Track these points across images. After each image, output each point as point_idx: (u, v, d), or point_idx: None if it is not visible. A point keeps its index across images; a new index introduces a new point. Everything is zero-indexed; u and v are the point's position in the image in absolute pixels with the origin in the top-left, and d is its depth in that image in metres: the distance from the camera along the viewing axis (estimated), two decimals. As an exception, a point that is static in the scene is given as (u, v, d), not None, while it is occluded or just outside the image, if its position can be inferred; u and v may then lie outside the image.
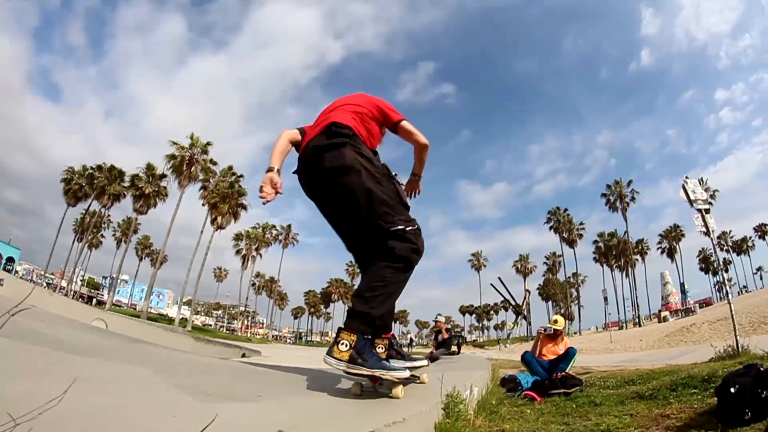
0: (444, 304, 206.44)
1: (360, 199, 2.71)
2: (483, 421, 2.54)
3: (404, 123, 3.16)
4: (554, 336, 6.88)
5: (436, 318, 15.06)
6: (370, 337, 2.58)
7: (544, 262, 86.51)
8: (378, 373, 2.45)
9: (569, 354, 6.52)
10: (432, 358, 12.30)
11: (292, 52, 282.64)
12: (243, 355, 14.09)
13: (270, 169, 3.02)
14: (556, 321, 6.98)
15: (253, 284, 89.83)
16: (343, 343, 2.50)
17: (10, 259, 68.23)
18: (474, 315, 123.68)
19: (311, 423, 1.84)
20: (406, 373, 2.56)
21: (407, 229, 2.71)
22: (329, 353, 2.51)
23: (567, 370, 6.07)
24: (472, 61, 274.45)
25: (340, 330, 2.57)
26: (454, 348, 13.71)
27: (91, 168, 60.62)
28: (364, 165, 2.75)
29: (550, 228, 72.59)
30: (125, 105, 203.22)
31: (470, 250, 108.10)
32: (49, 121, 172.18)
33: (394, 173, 3.20)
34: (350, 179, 2.71)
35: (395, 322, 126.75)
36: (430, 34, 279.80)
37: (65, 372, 1.78)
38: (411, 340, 71.29)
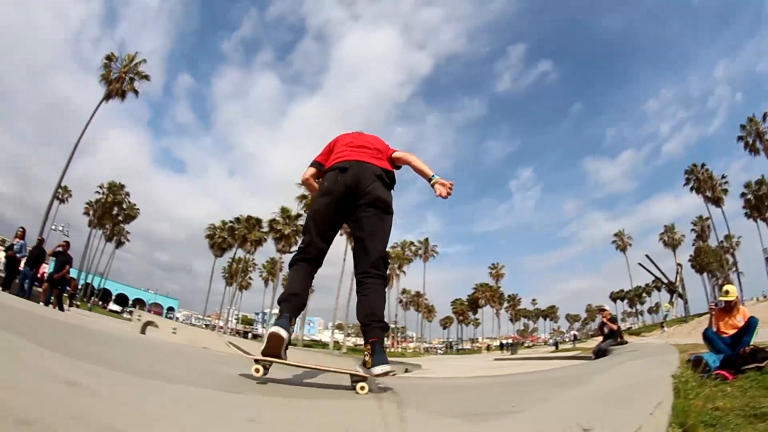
0: (592, 293, 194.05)
1: (384, 230, 3.34)
2: (695, 401, 2.84)
3: (396, 153, 3.70)
4: (728, 308, 6.41)
5: (602, 307, 14.89)
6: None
7: (692, 229, 75.97)
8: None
9: (751, 324, 6.06)
10: (601, 351, 12.20)
11: (382, 75, 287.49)
12: (406, 371, 14.44)
13: None
14: (727, 292, 6.43)
15: (400, 301, 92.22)
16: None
17: (171, 308, 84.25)
18: (626, 300, 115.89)
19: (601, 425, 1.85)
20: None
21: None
22: (387, 361, 2.93)
23: (751, 343, 5.71)
24: (560, 30, 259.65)
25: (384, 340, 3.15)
26: (620, 338, 13.30)
27: (230, 221, 67.15)
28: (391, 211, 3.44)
29: (691, 189, 63.51)
30: (244, 162, 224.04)
31: (611, 231, 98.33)
32: (180, 189, 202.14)
33: None
34: (389, 216, 3.38)
35: (545, 319, 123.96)
36: (508, 17, 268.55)
37: (314, 421, 1.87)
38: (575, 336, 68.61)
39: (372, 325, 3.08)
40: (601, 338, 13.51)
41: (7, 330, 2.48)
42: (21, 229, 14.66)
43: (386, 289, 3.41)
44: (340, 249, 57.69)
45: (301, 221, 59.15)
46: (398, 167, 3.73)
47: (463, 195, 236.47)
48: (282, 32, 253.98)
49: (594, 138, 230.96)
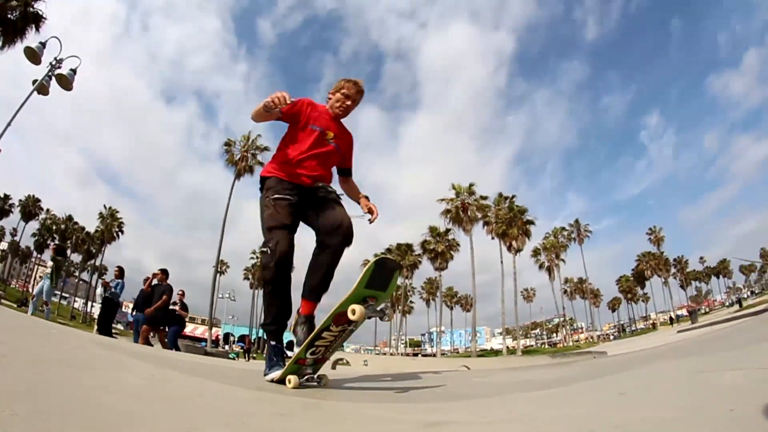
0: (764, 234, 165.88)
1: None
2: None
3: None
4: None
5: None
6: (274, 342, 3.33)
7: None
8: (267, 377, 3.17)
9: None
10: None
11: (473, 69, 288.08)
12: (593, 358, 13.77)
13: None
14: None
15: (565, 291, 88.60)
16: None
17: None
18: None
19: None
20: (274, 375, 3.11)
21: (263, 249, 3.28)
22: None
23: None
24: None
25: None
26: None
27: (382, 254, 68.28)
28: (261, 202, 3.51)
29: None
30: (374, 195, 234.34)
31: (763, 153, 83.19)
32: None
33: (275, 196, 3.41)
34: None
35: (717, 278, 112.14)
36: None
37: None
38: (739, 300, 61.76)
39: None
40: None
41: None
42: (117, 269, 13.38)
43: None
44: (496, 253, 56.38)
45: (452, 235, 59.52)
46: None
47: (597, 163, 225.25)
48: (362, 65, 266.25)
49: (708, 50, 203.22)
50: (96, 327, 12.76)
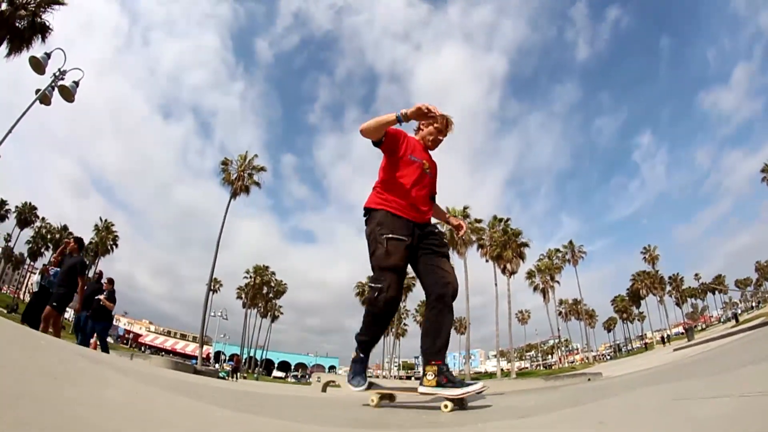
0: (757, 248, 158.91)
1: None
2: None
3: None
4: None
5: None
6: (363, 355, 3.64)
7: None
8: (463, 391, 2.98)
9: None
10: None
11: (466, 91, 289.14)
12: (588, 380, 13.36)
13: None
14: None
15: (560, 313, 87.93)
16: (429, 374, 3.12)
17: (332, 367, 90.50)
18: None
19: None
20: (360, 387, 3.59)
21: (374, 285, 3.29)
22: (422, 384, 3.13)
23: None
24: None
25: (425, 365, 3.20)
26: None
27: None
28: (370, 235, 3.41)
29: None
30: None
31: (755, 167, 78.15)
32: (315, 257, 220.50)
33: (390, 235, 3.29)
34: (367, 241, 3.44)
35: (713, 294, 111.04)
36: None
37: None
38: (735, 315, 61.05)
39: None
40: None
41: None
42: (56, 257, 9.68)
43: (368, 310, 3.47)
44: (490, 276, 55.98)
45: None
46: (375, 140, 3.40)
47: (590, 184, 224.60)
48: (357, 87, 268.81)
49: (698, 68, 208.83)
50: (21, 317, 10.27)
